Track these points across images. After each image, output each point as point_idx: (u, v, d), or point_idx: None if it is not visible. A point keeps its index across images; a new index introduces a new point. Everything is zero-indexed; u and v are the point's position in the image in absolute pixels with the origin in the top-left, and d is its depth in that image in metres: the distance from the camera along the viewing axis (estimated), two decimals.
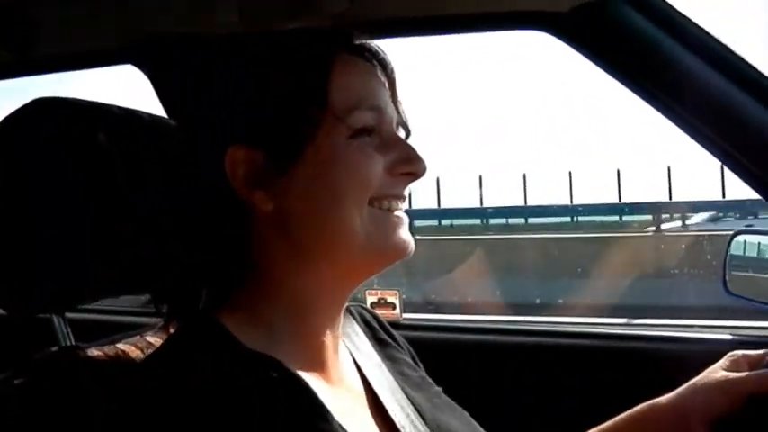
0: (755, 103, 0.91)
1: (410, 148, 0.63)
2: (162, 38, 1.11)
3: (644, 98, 0.99)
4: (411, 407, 0.67)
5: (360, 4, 1.03)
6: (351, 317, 0.75)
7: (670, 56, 0.95)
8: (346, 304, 0.68)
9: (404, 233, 0.63)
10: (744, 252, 1.26)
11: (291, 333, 0.62)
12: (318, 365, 0.62)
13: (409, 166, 0.63)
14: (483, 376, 1.14)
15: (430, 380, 0.76)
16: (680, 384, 0.79)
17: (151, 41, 1.12)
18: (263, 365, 0.57)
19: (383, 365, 0.71)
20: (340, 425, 0.56)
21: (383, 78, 0.64)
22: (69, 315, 0.75)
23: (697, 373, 0.79)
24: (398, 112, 0.65)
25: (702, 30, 0.95)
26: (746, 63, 0.94)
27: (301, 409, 0.56)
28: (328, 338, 0.64)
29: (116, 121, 0.72)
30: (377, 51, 0.65)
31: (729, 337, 1.10)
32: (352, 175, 0.59)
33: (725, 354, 0.80)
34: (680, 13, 0.95)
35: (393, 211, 0.62)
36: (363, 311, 0.79)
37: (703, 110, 0.96)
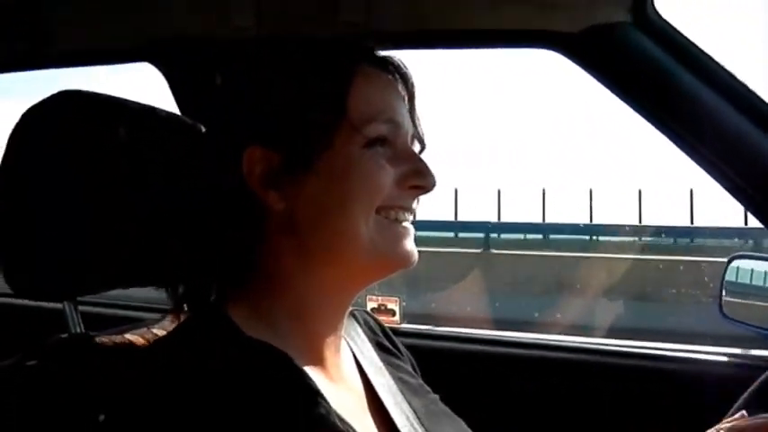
0: (762, 134, 0.93)
1: (422, 162, 0.65)
2: (181, 39, 1.13)
3: (650, 121, 1.01)
4: (410, 411, 0.68)
5: (376, 16, 1.05)
6: (354, 321, 0.76)
7: (678, 82, 0.97)
8: (350, 309, 0.69)
9: (408, 244, 0.64)
10: (737, 277, 1.27)
11: (295, 330, 0.63)
12: (320, 363, 0.64)
13: (419, 179, 0.64)
14: (480, 386, 1.15)
15: (428, 388, 0.77)
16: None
17: (170, 41, 1.14)
18: (264, 354, 0.58)
19: (384, 369, 0.72)
20: (338, 414, 0.57)
21: (403, 92, 0.66)
22: (81, 308, 0.77)
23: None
24: (415, 126, 0.67)
25: (711, 58, 0.97)
26: (754, 94, 0.96)
27: (299, 395, 0.57)
28: (331, 338, 0.66)
29: (135, 115, 0.74)
30: (399, 65, 0.67)
31: (725, 359, 1.11)
32: (363, 183, 0.61)
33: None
34: (689, 40, 0.97)
35: (400, 222, 0.64)
36: (367, 317, 0.80)
37: (709, 137, 0.98)
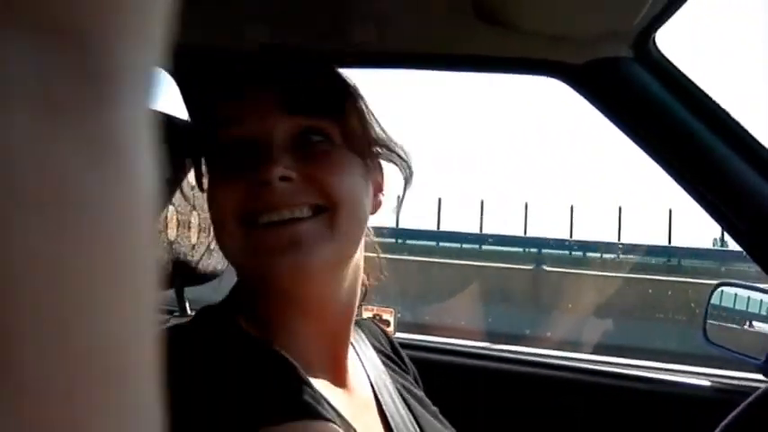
0: (754, 172, 0.98)
1: None
2: (194, 48, 1.15)
3: (648, 153, 1.05)
4: (412, 419, 0.69)
5: (385, 37, 1.08)
6: (361, 329, 0.78)
7: (673, 115, 1.01)
8: (356, 317, 0.71)
9: None
10: (722, 302, 1.31)
11: (302, 335, 0.63)
12: (328, 369, 0.64)
13: None
14: (473, 400, 1.17)
15: (428, 400, 0.79)
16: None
17: (183, 50, 1.17)
18: (263, 349, 0.58)
19: (387, 376, 0.73)
20: (337, 411, 0.58)
21: None
22: None
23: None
24: None
25: (707, 96, 1.02)
26: (747, 132, 1.01)
27: (289, 383, 0.56)
28: (338, 345, 0.66)
29: None
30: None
31: (708, 383, 1.16)
32: None
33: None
34: (688, 78, 1.02)
35: None
36: (373, 326, 0.82)
37: (702, 172, 1.03)
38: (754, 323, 1.33)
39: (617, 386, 1.19)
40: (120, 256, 0.13)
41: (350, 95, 0.68)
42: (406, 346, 0.95)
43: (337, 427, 0.54)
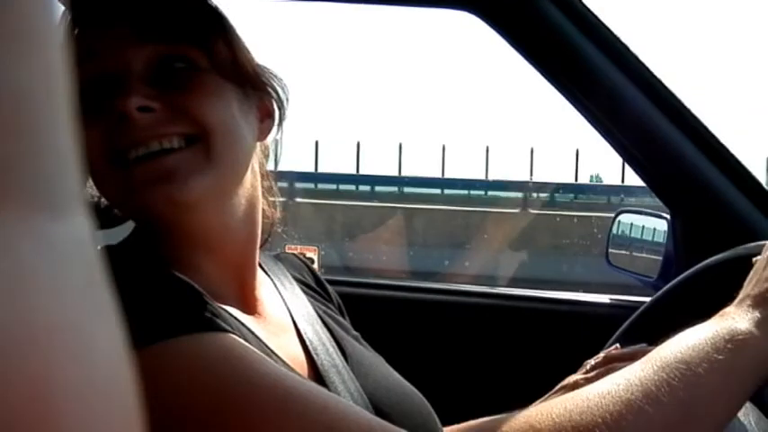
0: (657, 111, 1.05)
1: None
2: None
3: (558, 89, 1.10)
4: (333, 344, 0.69)
5: None
6: (282, 262, 0.78)
7: (582, 54, 1.06)
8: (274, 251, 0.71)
9: None
10: (621, 230, 1.42)
11: (204, 267, 0.62)
12: (237, 298, 0.63)
13: None
14: (393, 328, 1.23)
15: (350, 326, 0.81)
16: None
17: None
18: (165, 275, 0.56)
19: (307, 302, 0.73)
20: (250, 330, 0.58)
21: None
22: None
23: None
24: None
25: (615, 35, 1.07)
26: (652, 73, 1.08)
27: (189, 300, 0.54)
28: (244, 274, 0.66)
29: None
30: None
31: (608, 300, 1.27)
32: None
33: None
34: (596, 15, 1.06)
35: None
36: (295, 260, 0.82)
37: (608, 109, 1.09)
38: (649, 246, 1.45)
39: (525, 308, 1.29)
40: None
41: (215, 21, 0.65)
42: (332, 282, 0.97)
43: (238, 338, 0.52)
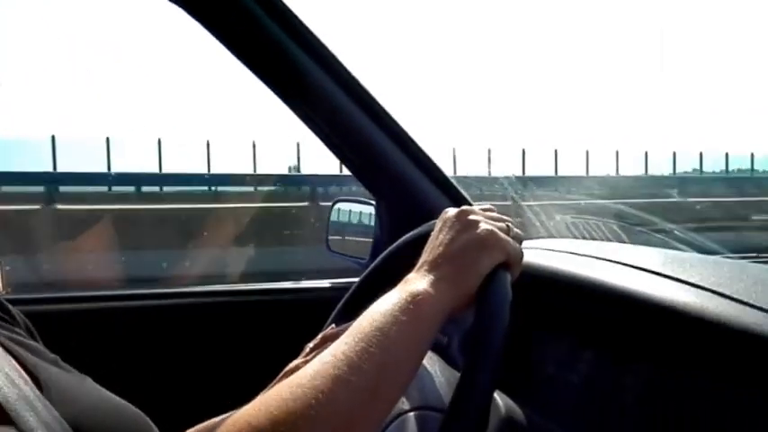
0: (359, 110, 1.14)
1: None
2: None
3: (270, 88, 1.14)
4: (19, 369, 0.62)
5: None
6: None
7: (270, 34, 1.10)
8: None
9: None
10: (339, 217, 1.53)
11: None
12: None
13: None
14: (104, 343, 1.14)
15: (45, 349, 0.73)
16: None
17: None
18: None
19: None
20: None
21: None
22: None
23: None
24: None
25: (312, 33, 1.14)
26: (347, 70, 1.17)
27: None
28: None
29: None
30: None
31: (328, 284, 1.35)
32: None
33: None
34: (292, 12, 1.11)
35: None
36: None
37: (320, 109, 1.16)
38: (362, 230, 1.58)
39: (250, 302, 1.31)
40: None
41: None
42: (19, 301, 0.85)
43: None
